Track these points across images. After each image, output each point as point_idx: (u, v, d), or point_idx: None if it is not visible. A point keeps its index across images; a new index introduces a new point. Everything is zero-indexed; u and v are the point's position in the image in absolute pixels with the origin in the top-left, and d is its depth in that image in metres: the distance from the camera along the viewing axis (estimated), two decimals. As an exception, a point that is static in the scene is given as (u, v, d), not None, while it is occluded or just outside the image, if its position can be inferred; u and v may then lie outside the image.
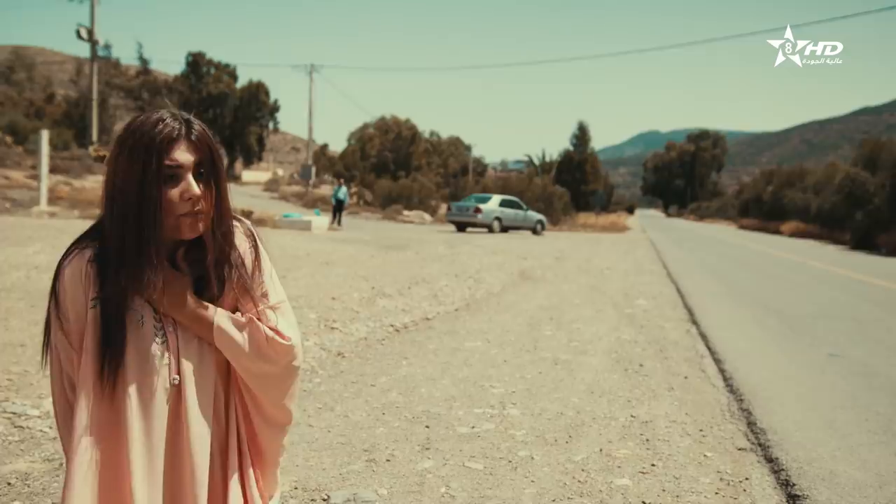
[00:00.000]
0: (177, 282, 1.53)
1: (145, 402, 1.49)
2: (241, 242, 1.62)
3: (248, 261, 1.61)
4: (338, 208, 25.65)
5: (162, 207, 1.44)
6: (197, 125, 1.50)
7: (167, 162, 1.44)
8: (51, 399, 3.73)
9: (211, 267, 1.55)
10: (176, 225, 1.47)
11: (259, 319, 1.59)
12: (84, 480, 1.46)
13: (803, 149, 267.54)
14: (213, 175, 1.51)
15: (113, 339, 1.47)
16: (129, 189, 1.44)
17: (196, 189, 1.46)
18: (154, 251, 1.46)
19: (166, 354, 1.51)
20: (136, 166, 1.43)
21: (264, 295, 1.62)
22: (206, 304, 1.56)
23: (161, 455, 1.51)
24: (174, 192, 1.45)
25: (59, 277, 1.50)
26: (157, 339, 1.51)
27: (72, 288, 1.48)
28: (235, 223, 1.62)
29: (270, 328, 1.59)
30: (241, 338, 1.56)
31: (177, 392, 1.53)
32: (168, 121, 1.47)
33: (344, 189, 26.89)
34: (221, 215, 1.54)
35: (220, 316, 1.56)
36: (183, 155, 1.46)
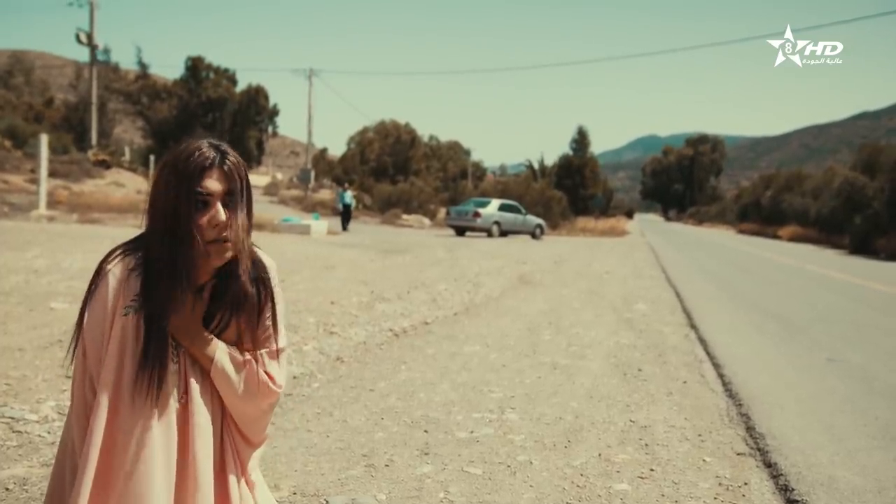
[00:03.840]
0: (191, 308, 1.58)
1: (164, 417, 1.53)
2: (264, 276, 1.70)
3: (262, 298, 1.67)
4: (345, 213, 25.64)
5: (192, 232, 1.51)
6: (231, 156, 1.58)
7: (198, 189, 1.52)
8: (49, 404, 3.72)
9: (229, 297, 1.62)
10: (205, 251, 1.53)
11: (257, 360, 1.68)
12: (90, 486, 1.46)
13: (802, 153, 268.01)
14: (240, 203, 1.57)
15: (157, 352, 1.52)
16: (167, 213, 1.52)
17: (222, 216, 1.54)
18: (186, 273, 1.54)
19: (179, 371, 1.56)
20: (173, 192, 1.52)
21: (269, 339, 1.71)
22: (211, 335, 1.63)
23: (173, 469, 1.53)
24: (203, 219, 1.52)
25: (101, 278, 1.54)
26: (174, 358, 1.55)
27: (113, 291, 1.53)
28: (262, 258, 1.70)
29: (266, 373, 1.68)
30: (235, 376, 1.64)
31: (183, 410, 1.56)
32: (204, 150, 1.55)
33: (350, 194, 26.89)
34: (245, 244, 1.61)
35: (220, 351, 1.63)
36: (213, 183, 1.54)
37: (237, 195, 1.56)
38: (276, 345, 1.73)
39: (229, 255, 1.56)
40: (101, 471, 1.48)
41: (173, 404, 1.55)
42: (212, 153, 1.54)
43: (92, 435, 1.48)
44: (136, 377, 1.51)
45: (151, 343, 1.51)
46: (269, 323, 1.70)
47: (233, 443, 1.69)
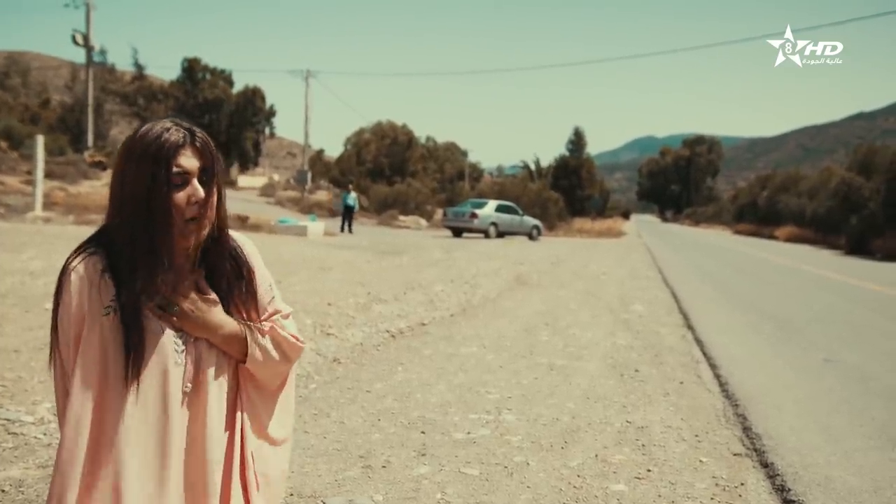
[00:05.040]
0: (205, 305, 1.58)
1: (158, 411, 1.53)
2: (246, 251, 1.70)
3: (243, 271, 1.67)
4: (347, 215, 25.51)
5: (171, 212, 1.49)
6: (199, 133, 1.56)
7: (175, 168, 1.49)
8: (44, 405, 3.71)
9: (226, 285, 1.63)
10: (183, 229, 1.52)
11: (276, 325, 1.70)
12: (75, 487, 1.46)
13: (799, 154, 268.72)
14: (214, 181, 1.56)
15: (133, 347, 1.50)
16: (138, 196, 1.49)
17: (202, 193, 1.52)
18: (165, 255, 1.51)
19: (183, 363, 1.55)
20: (145, 173, 1.48)
21: (277, 311, 1.73)
22: (234, 322, 1.63)
23: (180, 462, 1.54)
24: (181, 196, 1.50)
25: (66, 278, 1.52)
26: (177, 348, 1.55)
27: (78, 291, 1.50)
28: (230, 234, 1.68)
29: (291, 335, 1.71)
30: (272, 349, 1.67)
31: (196, 400, 1.56)
32: (172, 129, 1.52)
33: (353, 195, 26.71)
34: (221, 220, 1.61)
35: (250, 332, 1.64)
36: (189, 161, 1.51)
37: (211, 171, 1.55)
38: (285, 310, 1.75)
39: (206, 232, 1.55)
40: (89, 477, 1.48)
41: (175, 392, 1.54)
42: (181, 131, 1.52)
43: (78, 436, 1.48)
44: (123, 371, 1.50)
45: (131, 333, 1.50)
46: (270, 292, 1.72)
47: (244, 435, 1.68)
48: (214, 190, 1.55)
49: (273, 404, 1.74)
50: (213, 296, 1.60)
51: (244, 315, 1.66)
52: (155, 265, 1.49)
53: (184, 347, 1.56)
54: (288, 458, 1.80)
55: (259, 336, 1.65)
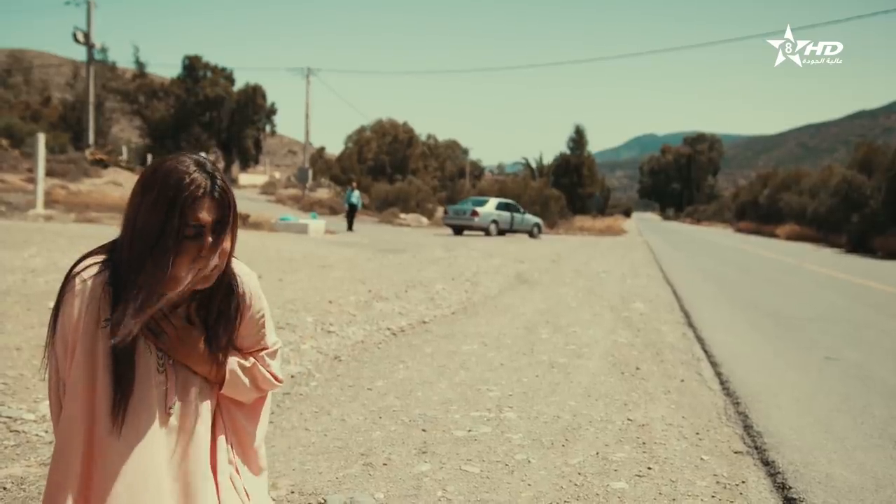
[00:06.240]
0: (191, 335, 1.59)
1: (144, 426, 1.53)
2: (244, 286, 1.70)
3: (244, 306, 1.69)
4: (350, 213, 25.40)
5: (176, 260, 1.48)
6: (220, 181, 1.52)
7: (192, 222, 1.47)
8: (46, 403, 3.73)
9: (214, 318, 1.65)
10: (189, 277, 1.50)
11: (260, 361, 1.75)
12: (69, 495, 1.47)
13: (799, 152, 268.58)
14: (228, 231, 1.55)
15: (123, 369, 1.51)
16: (148, 235, 1.47)
17: (210, 245, 1.51)
18: (158, 295, 1.50)
19: (166, 382, 1.56)
20: (159, 215, 1.46)
21: (264, 348, 1.77)
22: (216, 354, 1.65)
23: (163, 477, 1.54)
24: (193, 248, 1.48)
25: (68, 289, 1.51)
26: (160, 368, 1.56)
27: (80, 301, 1.50)
28: (236, 269, 1.68)
29: (270, 373, 1.76)
30: (247, 383, 1.72)
31: (184, 417, 1.59)
32: (195, 176, 1.48)
33: (357, 193, 26.54)
34: (228, 267, 1.62)
35: (231, 363, 1.68)
36: (205, 214, 1.49)
37: (226, 222, 1.53)
38: (272, 346, 1.78)
39: (213, 279, 1.55)
40: (83, 484, 1.49)
41: (154, 416, 1.54)
42: (203, 179, 1.49)
43: (71, 448, 1.47)
44: (111, 395, 1.50)
45: (119, 361, 1.50)
46: (262, 328, 1.73)
47: (228, 439, 1.70)
48: (228, 238, 1.54)
49: (256, 415, 1.78)
50: (199, 328, 1.62)
51: (230, 345, 1.67)
52: (146, 302, 1.48)
53: (164, 369, 1.57)
54: (266, 485, 1.83)
55: (238, 370, 1.68)
